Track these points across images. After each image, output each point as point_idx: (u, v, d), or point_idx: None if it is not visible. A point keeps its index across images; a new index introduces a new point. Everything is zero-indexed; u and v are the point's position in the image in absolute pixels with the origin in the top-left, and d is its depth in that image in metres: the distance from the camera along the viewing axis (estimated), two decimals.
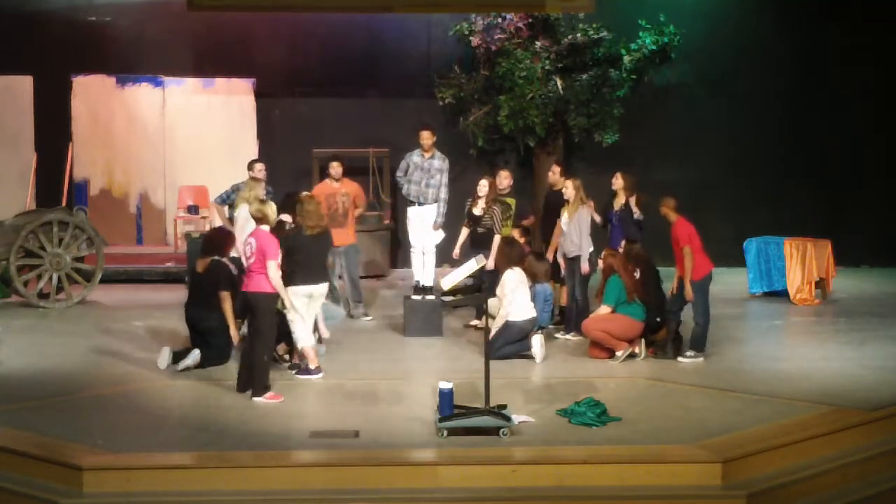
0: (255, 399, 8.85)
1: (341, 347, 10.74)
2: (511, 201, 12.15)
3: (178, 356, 10.09)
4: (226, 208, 12.52)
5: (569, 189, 11.42)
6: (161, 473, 7.33)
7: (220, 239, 10.71)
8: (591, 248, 11.32)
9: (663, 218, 10.59)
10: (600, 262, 10.88)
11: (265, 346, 8.94)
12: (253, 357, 8.97)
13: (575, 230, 11.28)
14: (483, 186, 11.97)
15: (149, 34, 16.57)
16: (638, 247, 11.20)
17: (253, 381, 8.95)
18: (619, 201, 11.63)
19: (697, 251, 10.34)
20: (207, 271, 10.29)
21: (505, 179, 12.31)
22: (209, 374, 10.00)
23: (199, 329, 10.25)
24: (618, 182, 11.70)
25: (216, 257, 10.37)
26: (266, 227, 9.17)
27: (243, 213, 11.83)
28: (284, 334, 10.23)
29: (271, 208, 9.36)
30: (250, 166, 12.60)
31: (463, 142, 15.98)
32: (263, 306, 8.93)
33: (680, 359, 10.41)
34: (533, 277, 10.94)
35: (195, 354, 10.09)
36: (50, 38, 16.35)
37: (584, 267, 11.24)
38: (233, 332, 10.10)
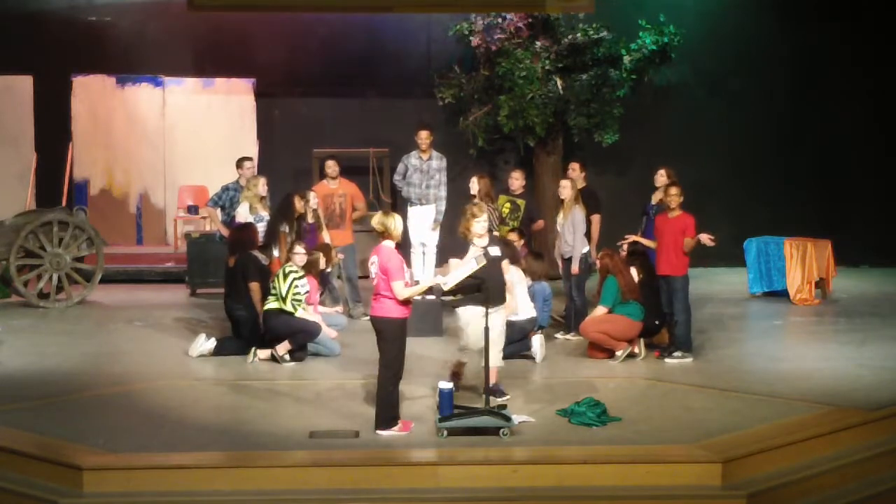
0: (379, 432, 7.96)
1: (341, 347, 10.73)
2: (521, 202, 12.15)
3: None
4: (217, 211, 12.55)
5: (565, 189, 11.44)
6: (161, 473, 7.32)
7: (244, 236, 11.09)
8: (586, 249, 11.33)
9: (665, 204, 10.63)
10: (598, 262, 10.91)
11: (392, 377, 8.02)
12: (378, 387, 8.11)
13: (569, 230, 11.29)
14: (473, 184, 11.99)
15: (149, 34, 16.58)
16: (641, 247, 11.21)
17: (377, 412, 8.10)
18: (657, 195, 11.66)
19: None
20: (237, 263, 10.84)
21: (517, 180, 12.29)
22: (212, 373, 10.03)
23: (231, 319, 10.89)
24: (661, 178, 11.71)
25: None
26: (390, 243, 8.11)
27: (243, 211, 11.94)
28: (287, 335, 10.29)
29: (393, 219, 8.17)
30: (239, 164, 12.67)
31: (463, 142, 15.98)
32: (390, 333, 8.00)
33: (667, 360, 10.40)
34: (531, 276, 10.94)
35: (210, 343, 10.53)
36: (50, 38, 16.35)
37: (574, 268, 11.26)
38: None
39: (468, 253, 8.54)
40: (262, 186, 12.03)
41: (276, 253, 11.21)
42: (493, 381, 8.63)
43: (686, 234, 10.30)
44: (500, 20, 15.55)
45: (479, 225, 8.69)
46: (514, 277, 10.54)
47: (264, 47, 16.58)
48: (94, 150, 16.77)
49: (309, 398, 9.13)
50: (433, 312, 11.55)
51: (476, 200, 11.43)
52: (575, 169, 12.15)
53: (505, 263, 8.86)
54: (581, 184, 11.92)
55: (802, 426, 8.18)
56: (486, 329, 8.20)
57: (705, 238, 10.29)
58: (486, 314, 8.22)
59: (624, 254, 11.12)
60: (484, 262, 8.46)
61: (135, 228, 16.96)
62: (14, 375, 9.82)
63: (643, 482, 7.35)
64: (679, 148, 16.38)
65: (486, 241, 8.74)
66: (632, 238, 11.41)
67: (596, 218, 11.94)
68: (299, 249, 10.71)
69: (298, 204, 11.67)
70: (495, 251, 8.73)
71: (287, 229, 11.42)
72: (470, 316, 8.58)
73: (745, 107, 17.02)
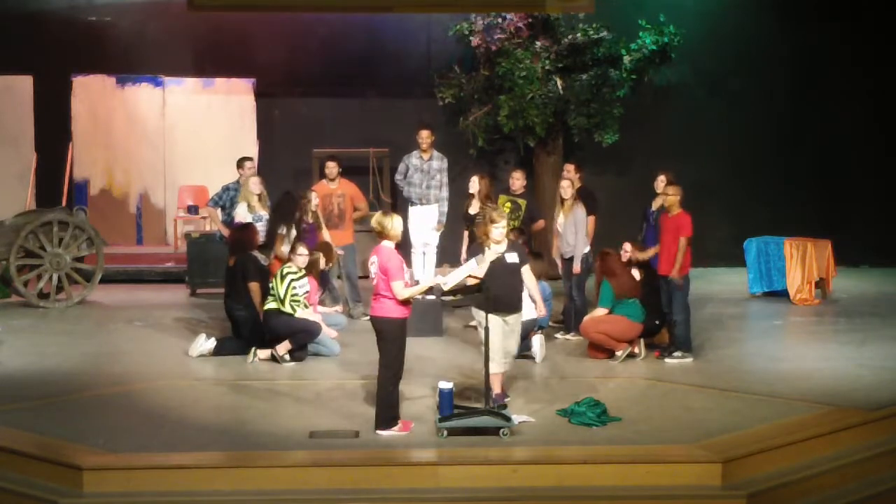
0: (379, 432, 7.97)
1: (341, 347, 10.73)
2: (522, 202, 12.13)
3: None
4: (218, 211, 12.57)
5: (567, 189, 11.42)
6: (161, 473, 7.33)
7: (245, 237, 11.13)
8: (587, 249, 11.32)
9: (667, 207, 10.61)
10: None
11: (392, 377, 8.01)
12: (377, 387, 8.09)
13: (570, 230, 11.28)
14: (473, 184, 11.98)
15: (149, 34, 16.58)
16: (641, 247, 11.18)
17: (377, 412, 8.09)
18: (657, 201, 11.64)
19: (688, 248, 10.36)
20: (237, 263, 10.82)
21: (518, 180, 12.27)
22: (212, 373, 10.03)
23: (231, 319, 10.85)
24: (661, 184, 11.66)
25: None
26: (389, 243, 8.08)
27: (241, 211, 11.98)
28: (287, 334, 10.29)
29: (392, 220, 8.14)
30: (240, 164, 12.70)
31: (463, 142, 15.98)
32: (390, 333, 8.00)
33: (667, 360, 10.40)
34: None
35: (210, 343, 10.53)
36: (50, 38, 16.35)
37: (576, 267, 11.25)
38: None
39: (485, 256, 8.54)
40: (252, 185, 12.13)
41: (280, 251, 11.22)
42: (498, 389, 8.65)
43: (680, 233, 10.28)
44: (500, 20, 15.55)
45: (498, 231, 8.62)
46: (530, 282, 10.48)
47: (264, 47, 16.58)
48: (94, 150, 16.77)
49: (309, 398, 9.13)
50: (433, 312, 11.56)
51: (493, 205, 11.40)
52: (570, 170, 12.12)
53: (525, 269, 8.80)
54: (577, 184, 11.90)
55: (802, 426, 8.18)
56: (486, 329, 8.20)
57: (674, 274, 10.26)
58: (486, 315, 8.22)
59: (627, 255, 11.05)
60: (484, 262, 8.45)
61: (135, 228, 16.96)
62: (14, 375, 9.82)
63: (643, 482, 7.35)
64: (679, 148, 16.39)
65: (503, 246, 8.70)
66: (630, 254, 11.18)
67: (591, 219, 11.89)
68: (302, 251, 10.70)
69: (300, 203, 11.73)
70: (513, 258, 8.69)
71: (285, 231, 11.41)
72: (503, 324, 8.60)
73: (745, 107, 17.02)
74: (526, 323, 10.37)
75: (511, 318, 8.66)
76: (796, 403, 8.81)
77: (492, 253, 8.58)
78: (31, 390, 9.24)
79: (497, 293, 8.37)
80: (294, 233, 11.47)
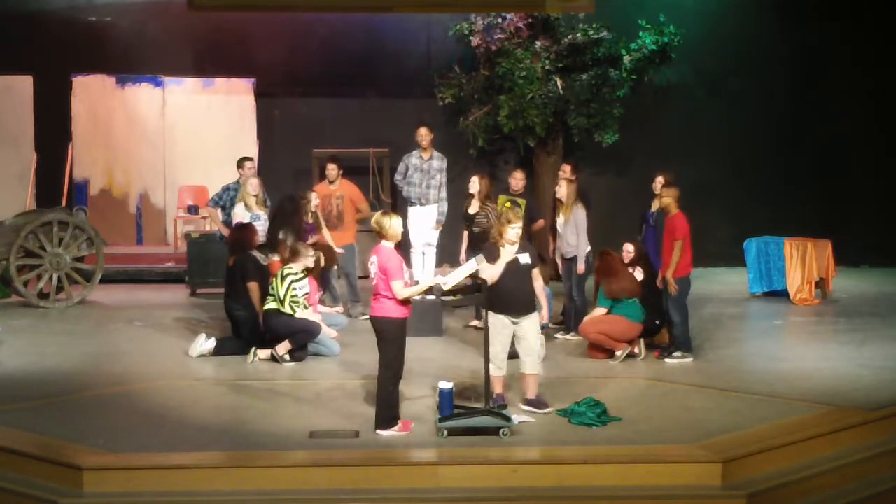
0: (379, 432, 7.97)
1: (341, 347, 10.73)
2: (522, 202, 12.12)
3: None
4: (218, 211, 12.59)
5: (562, 189, 11.42)
6: (161, 473, 7.33)
7: (244, 236, 11.12)
8: (589, 248, 11.32)
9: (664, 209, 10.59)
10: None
11: (392, 377, 8.01)
12: (377, 387, 8.10)
13: (571, 231, 11.28)
14: (474, 183, 11.97)
15: (149, 34, 16.58)
16: (643, 247, 11.17)
17: (377, 412, 8.09)
18: (657, 203, 11.61)
19: (687, 249, 10.33)
20: (236, 263, 10.85)
21: (519, 181, 12.23)
22: (212, 373, 10.03)
23: (231, 319, 10.86)
24: (658, 185, 11.63)
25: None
26: (389, 243, 8.09)
27: (239, 211, 12.00)
28: (287, 335, 10.29)
29: (391, 220, 8.13)
30: (240, 164, 12.72)
31: (463, 142, 15.98)
32: (389, 333, 8.00)
33: (667, 360, 10.40)
34: None
35: (210, 343, 10.53)
36: (50, 38, 16.35)
37: (580, 267, 11.25)
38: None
39: (501, 257, 8.53)
40: (250, 186, 12.17)
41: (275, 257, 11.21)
42: (533, 392, 8.70)
43: (675, 237, 10.26)
44: (500, 20, 15.55)
45: (513, 231, 8.61)
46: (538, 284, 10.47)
47: (264, 47, 16.58)
48: (94, 150, 16.77)
49: (309, 398, 9.13)
50: (433, 312, 11.55)
51: (501, 207, 11.37)
52: (566, 171, 12.09)
53: (535, 272, 8.79)
54: (574, 185, 11.86)
55: (802, 426, 8.18)
56: (487, 329, 8.20)
57: (668, 276, 10.27)
58: (486, 315, 8.22)
59: (629, 256, 11.03)
60: (484, 262, 8.46)
61: (135, 228, 16.96)
62: (14, 375, 9.82)
63: (643, 482, 7.35)
64: (679, 148, 16.39)
65: (517, 247, 8.69)
66: (632, 255, 11.12)
67: None
68: (309, 252, 10.70)
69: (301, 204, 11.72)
70: (525, 259, 8.68)
71: (287, 236, 11.39)
72: (506, 325, 8.61)
73: (745, 107, 17.01)
74: None
75: (524, 319, 8.63)
76: (796, 403, 8.82)
77: (507, 253, 8.58)
78: (31, 390, 9.25)
79: (512, 294, 8.45)
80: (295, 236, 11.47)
